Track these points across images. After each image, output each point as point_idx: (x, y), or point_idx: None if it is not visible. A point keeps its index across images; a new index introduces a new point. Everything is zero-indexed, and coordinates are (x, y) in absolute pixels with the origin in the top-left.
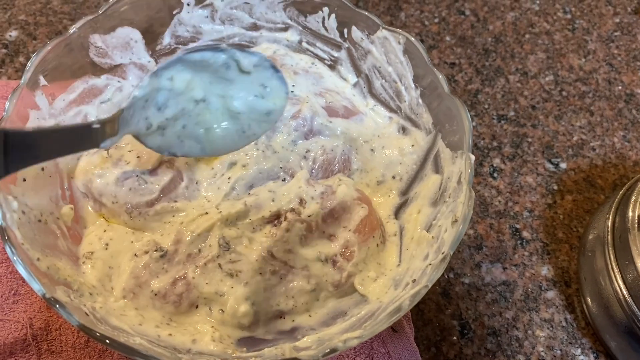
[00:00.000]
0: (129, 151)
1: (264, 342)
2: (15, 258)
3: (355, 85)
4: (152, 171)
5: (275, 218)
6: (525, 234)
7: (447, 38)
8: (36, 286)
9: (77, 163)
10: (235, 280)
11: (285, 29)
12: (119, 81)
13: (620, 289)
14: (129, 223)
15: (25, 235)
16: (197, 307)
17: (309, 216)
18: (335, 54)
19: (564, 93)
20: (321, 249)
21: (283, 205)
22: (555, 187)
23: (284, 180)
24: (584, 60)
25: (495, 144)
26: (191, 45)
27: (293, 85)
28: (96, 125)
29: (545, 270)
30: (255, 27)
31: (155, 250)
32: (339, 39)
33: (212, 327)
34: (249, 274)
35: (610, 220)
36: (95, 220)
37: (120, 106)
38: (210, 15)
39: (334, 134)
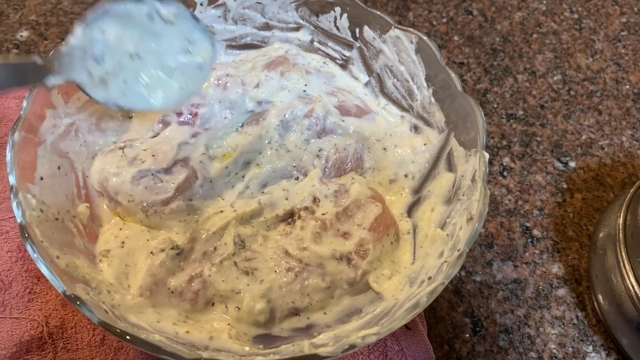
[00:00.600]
0: (144, 150)
1: (279, 339)
2: (36, 255)
3: (366, 84)
4: (167, 170)
5: (289, 216)
6: (535, 232)
7: (456, 38)
8: (57, 283)
9: (92, 162)
10: (251, 278)
11: (297, 28)
12: None
13: (633, 286)
14: (145, 221)
15: (44, 233)
16: (213, 304)
17: (323, 214)
18: (347, 54)
19: (572, 92)
20: (336, 246)
21: (297, 204)
22: (565, 186)
23: (297, 179)
24: (591, 59)
25: (504, 143)
26: None
27: (305, 85)
28: (39, 62)
29: (556, 268)
30: (267, 26)
31: (172, 249)
32: (350, 39)
33: (229, 324)
34: (264, 272)
35: (621, 218)
36: (110, 219)
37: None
38: (222, 15)
39: (347, 133)
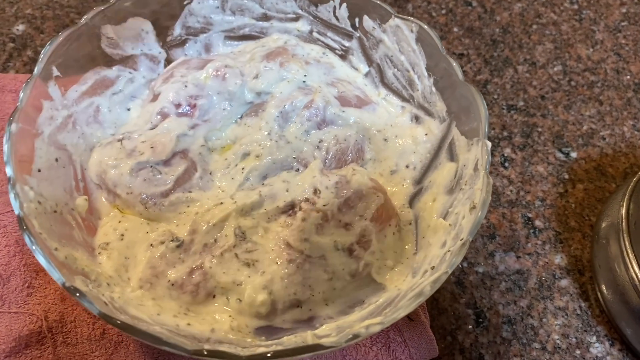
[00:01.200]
0: (142, 142)
1: (282, 330)
2: (34, 247)
3: (366, 74)
4: (166, 162)
5: (290, 208)
6: (537, 222)
7: (455, 29)
8: (56, 275)
9: (90, 154)
10: (252, 270)
11: (296, 19)
12: (130, 72)
13: (636, 276)
14: (144, 214)
15: (42, 225)
16: (214, 296)
17: (324, 205)
18: (347, 44)
19: (573, 83)
20: (337, 238)
21: (297, 195)
22: (567, 176)
23: (297, 170)
24: (591, 50)
25: (505, 133)
26: (202, 35)
27: (305, 75)
28: None
29: (559, 259)
30: (265, 17)
31: (171, 241)
32: (350, 29)
33: (230, 316)
34: (265, 263)
35: (624, 207)
36: (109, 212)
37: (132, 97)
38: (220, 6)
39: (347, 124)
